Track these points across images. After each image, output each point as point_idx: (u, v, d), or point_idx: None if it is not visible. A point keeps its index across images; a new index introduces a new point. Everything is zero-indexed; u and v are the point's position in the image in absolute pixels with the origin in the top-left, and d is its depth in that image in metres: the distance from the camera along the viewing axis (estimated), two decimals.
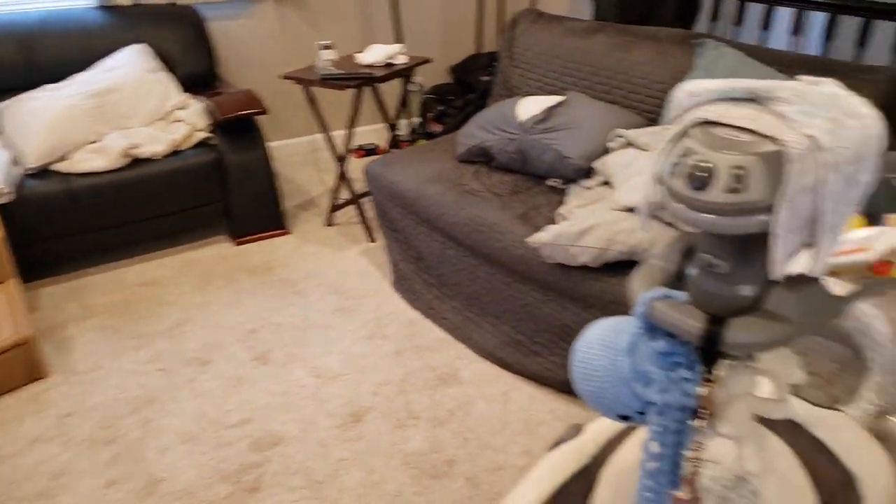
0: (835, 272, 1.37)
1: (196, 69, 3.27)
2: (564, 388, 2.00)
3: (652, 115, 2.30)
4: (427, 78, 4.13)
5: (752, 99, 0.69)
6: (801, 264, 0.71)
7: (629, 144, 2.13)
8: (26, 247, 2.60)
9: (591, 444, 1.22)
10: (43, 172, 2.63)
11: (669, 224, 1.70)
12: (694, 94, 0.72)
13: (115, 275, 2.80)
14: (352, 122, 2.93)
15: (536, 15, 2.82)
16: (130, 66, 2.94)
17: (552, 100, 2.37)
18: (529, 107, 2.37)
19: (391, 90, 4.12)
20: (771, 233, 0.64)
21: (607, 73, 2.45)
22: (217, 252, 2.96)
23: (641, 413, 0.80)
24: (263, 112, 2.87)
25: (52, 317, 2.52)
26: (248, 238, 3.03)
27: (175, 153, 2.81)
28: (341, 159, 3.04)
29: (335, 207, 3.18)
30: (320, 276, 2.73)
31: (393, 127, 3.28)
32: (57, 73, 2.95)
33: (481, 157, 2.46)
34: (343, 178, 3.07)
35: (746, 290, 0.74)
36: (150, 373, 2.21)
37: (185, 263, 2.87)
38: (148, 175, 2.73)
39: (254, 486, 1.77)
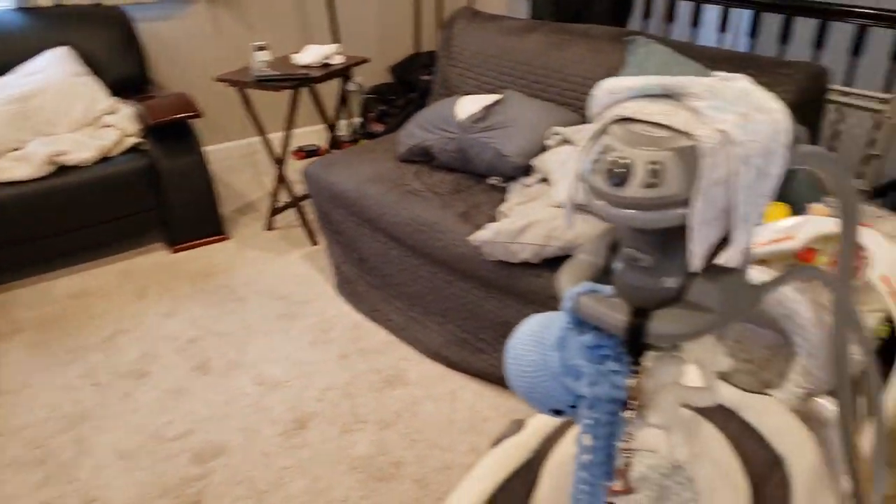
0: (763, 260, 1.43)
1: (125, 72, 3.16)
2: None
3: (587, 113, 2.34)
4: (368, 77, 4.10)
5: (668, 95, 0.70)
6: (721, 255, 0.73)
7: (565, 141, 2.16)
8: None
9: (532, 439, 1.22)
10: None
11: (600, 218, 1.73)
12: (612, 91, 0.73)
13: (44, 287, 2.68)
14: (289, 124, 2.88)
15: (472, 14, 2.83)
16: (53, 69, 2.82)
17: (490, 98, 2.39)
18: (468, 106, 2.37)
19: (330, 91, 4.07)
20: (687, 225, 0.65)
21: (543, 72, 2.48)
22: (153, 260, 2.87)
23: (573, 407, 0.81)
24: (197, 115, 2.80)
25: None
26: (185, 245, 2.95)
27: (105, 160, 2.72)
28: (279, 162, 2.99)
29: (275, 211, 3.12)
30: (261, 282, 2.68)
31: (332, 128, 3.24)
32: None
33: (422, 157, 2.45)
34: (282, 180, 3.02)
35: (670, 283, 0.75)
36: (83, 388, 2.13)
37: (120, 273, 2.77)
38: (76, 183, 2.63)
39: (196, 499, 1.72)
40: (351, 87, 3.97)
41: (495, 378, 2.05)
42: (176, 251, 2.93)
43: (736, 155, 0.64)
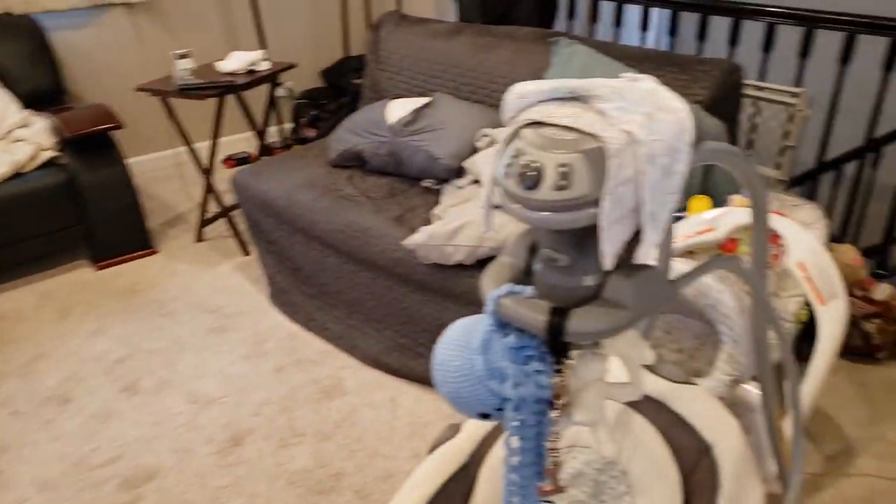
0: (690, 252, 1.47)
1: (38, 84, 3.01)
2: None
3: (501, 117, 2.36)
4: (299, 82, 4.04)
5: (576, 98, 0.71)
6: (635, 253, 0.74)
7: (495, 143, 2.17)
8: None
9: (468, 443, 1.22)
10: None
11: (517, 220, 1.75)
12: (523, 95, 0.74)
13: None
14: (215, 133, 2.81)
15: (399, 17, 2.82)
16: None
17: (420, 101, 2.38)
18: (398, 109, 2.36)
19: (259, 97, 3.99)
20: (598, 225, 0.66)
21: (471, 74, 2.49)
22: (76, 279, 2.74)
23: (500, 409, 0.81)
24: (117, 127, 2.69)
25: None
26: (111, 261, 2.84)
27: (18, 175, 2.58)
28: (207, 172, 2.90)
29: (205, 222, 3.03)
30: (192, 295, 2.60)
31: (262, 134, 3.18)
32: None
33: (354, 162, 2.43)
34: (210, 190, 2.93)
35: (588, 281, 0.76)
36: (0, 418, 2.01)
37: (40, 294, 2.64)
38: None
39: None
40: (280, 92, 3.90)
41: None
42: (101, 268, 2.81)
43: (642, 154, 0.65)
